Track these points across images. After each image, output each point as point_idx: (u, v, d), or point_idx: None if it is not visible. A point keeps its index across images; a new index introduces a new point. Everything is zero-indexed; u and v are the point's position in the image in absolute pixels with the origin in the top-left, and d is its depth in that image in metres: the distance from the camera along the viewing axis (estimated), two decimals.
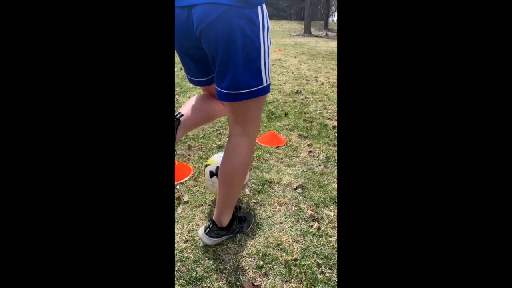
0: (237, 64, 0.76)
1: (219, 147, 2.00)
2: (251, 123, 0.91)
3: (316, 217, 1.32)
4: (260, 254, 1.11)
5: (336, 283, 1.00)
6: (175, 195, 1.46)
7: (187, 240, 1.18)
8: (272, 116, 2.65)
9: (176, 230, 1.23)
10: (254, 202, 1.43)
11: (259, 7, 0.74)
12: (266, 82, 0.83)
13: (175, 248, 1.13)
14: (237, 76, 0.77)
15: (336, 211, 1.38)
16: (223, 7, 0.70)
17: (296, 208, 1.39)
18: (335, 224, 1.29)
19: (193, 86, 3.57)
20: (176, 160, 1.74)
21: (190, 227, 1.25)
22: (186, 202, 1.41)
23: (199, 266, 1.05)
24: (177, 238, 1.19)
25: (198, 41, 0.76)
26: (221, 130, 2.29)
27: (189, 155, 1.89)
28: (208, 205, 1.40)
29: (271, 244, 1.16)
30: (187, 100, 3.00)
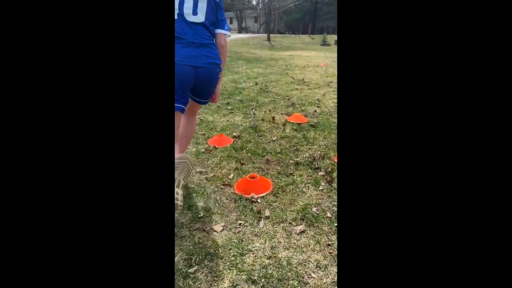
0: (210, 90, 1.54)
1: (297, 164, 2.00)
2: (197, 113, 1.74)
3: None
4: None
5: None
6: (256, 208, 1.50)
7: (270, 257, 1.19)
8: None
9: (258, 245, 1.25)
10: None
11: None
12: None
13: (259, 263, 1.15)
14: (208, 95, 1.55)
15: None
16: (214, 69, 1.45)
17: None
18: None
19: (268, 101, 3.67)
20: (255, 173, 1.79)
21: (272, 243, 1.26)
22: (267, 217, 1.43)
23: (284, 286, 1.05)
24: (260, 253, 1.21)
25: (192, 82, 1.41)
26: (298, 146, 2.29)
27: (267, 169, 1.93)
28: (289, 223, 1.40)
29: None
30: (263, 114, 3.09)
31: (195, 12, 1.34)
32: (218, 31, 1.45)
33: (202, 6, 1.35)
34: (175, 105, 1.35)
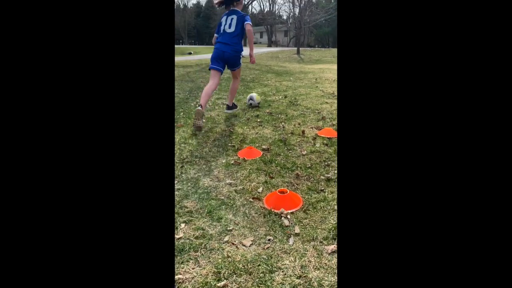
0: (237, 63, 3.25)
1: (328, 180, 1.94)
2: (239, 75, 3.42)
3: None
4: None
5: None
6: (286, 223, 1.46)
7: (300, 276, 1.15)
8: None
9: (288, 263, 1.22)
10: None
11: (240, 55, 3.24)
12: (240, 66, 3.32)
13: (288, 282, 1.12)
14: (235, 66, 3.29)
15: None
16: (235, 54, 3.16)
17: None
18: None
19: (297, 114, 3.65)
20: (285, 188, 1.77)
21: (302, 262, 1.22)
22: (297, 234, 1.40)
23: None
24: (289, 272, 1.17)
25: (224, 58, 3.13)
26: (329, 162, 2.24)
27: (297, 184, 1.89)
28: (320, 241, 1.35)
29: None
30: (292, 127, 3.07)
31: (230, 27, 3.04)
32: (245, 23, 3.02)
33: (234, 23, 3.02)
34: (212, 66, 3.06)
